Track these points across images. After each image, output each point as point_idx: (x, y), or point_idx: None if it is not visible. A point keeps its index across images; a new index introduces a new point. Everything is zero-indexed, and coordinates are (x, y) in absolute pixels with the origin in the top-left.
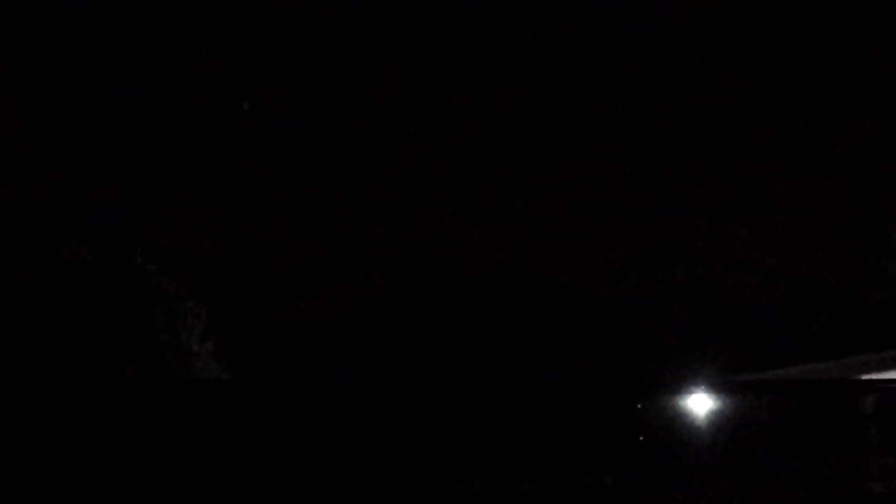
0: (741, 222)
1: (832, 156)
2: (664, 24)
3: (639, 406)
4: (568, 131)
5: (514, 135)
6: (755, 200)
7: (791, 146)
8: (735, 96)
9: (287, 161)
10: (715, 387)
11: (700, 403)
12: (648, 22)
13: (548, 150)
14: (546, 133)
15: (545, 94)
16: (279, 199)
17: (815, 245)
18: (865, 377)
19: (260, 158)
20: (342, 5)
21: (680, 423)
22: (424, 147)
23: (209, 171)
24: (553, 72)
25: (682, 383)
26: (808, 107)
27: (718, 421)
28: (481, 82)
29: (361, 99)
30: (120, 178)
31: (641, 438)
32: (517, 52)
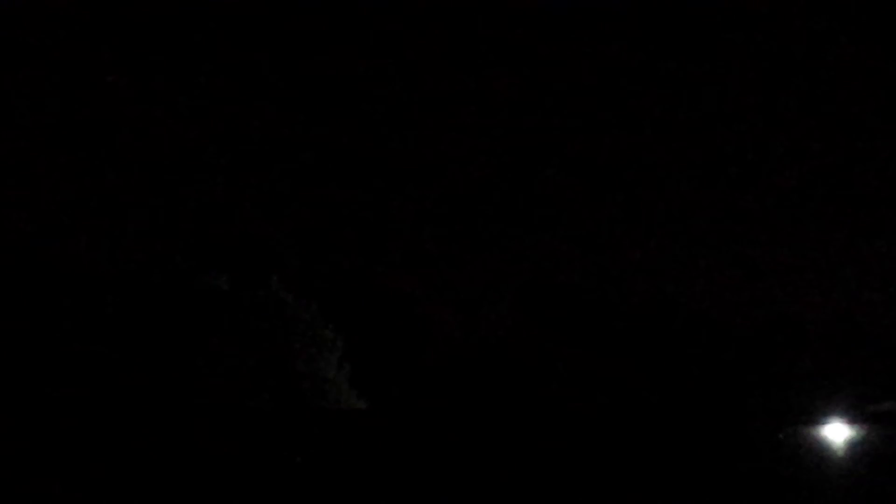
0: (879, 249)
1: None
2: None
3: (780, 436)
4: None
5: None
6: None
7: None
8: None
9: (430, 196)
10: (853, 416)
11: (837, 433)
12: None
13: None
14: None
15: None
16: (416, 232)
17: None
18: None
19: (396, 194)
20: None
21: (816, 454)
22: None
23: (347, 203)
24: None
25: (819, 412)
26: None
27: (856, 451)
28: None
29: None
30: (257, 209)
31: (785, 470)
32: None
